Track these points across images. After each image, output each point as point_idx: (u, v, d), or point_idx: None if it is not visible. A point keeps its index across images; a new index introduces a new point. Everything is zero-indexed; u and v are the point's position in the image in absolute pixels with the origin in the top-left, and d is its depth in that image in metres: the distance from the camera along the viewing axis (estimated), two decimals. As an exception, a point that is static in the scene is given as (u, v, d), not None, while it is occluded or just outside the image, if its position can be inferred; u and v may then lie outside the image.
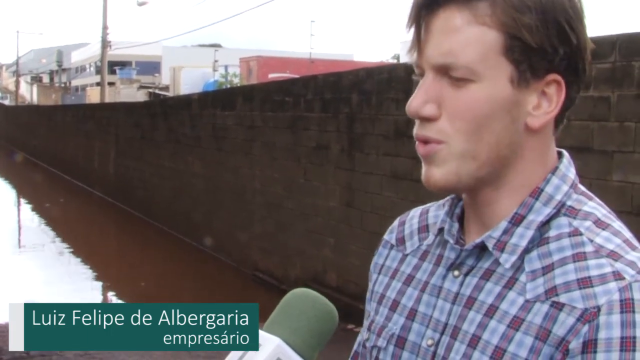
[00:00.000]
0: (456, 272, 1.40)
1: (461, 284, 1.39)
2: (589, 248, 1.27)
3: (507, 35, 1.29)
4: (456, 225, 1.44)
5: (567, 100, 1.33)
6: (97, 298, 15.38)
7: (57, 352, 8.39)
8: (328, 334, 1.36)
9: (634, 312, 1.19)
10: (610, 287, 1.21)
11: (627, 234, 1.31)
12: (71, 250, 19.59)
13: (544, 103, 1.32)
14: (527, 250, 1.32)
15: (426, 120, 1.33)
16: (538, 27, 1.28)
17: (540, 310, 1.26)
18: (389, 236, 1.63)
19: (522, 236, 1.33)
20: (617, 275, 1.22)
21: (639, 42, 6.87)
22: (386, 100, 10.52)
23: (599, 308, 1.20)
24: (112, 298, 15.30)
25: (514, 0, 1.28)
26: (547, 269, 1.28)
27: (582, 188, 1.39)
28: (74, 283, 15.98)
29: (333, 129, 11.98)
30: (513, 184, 1.36)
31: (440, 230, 1.48)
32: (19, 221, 26.01)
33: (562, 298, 1.24)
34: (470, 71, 1.30)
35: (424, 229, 1.54)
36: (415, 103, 1.33)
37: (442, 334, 1.40)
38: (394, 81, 10.48)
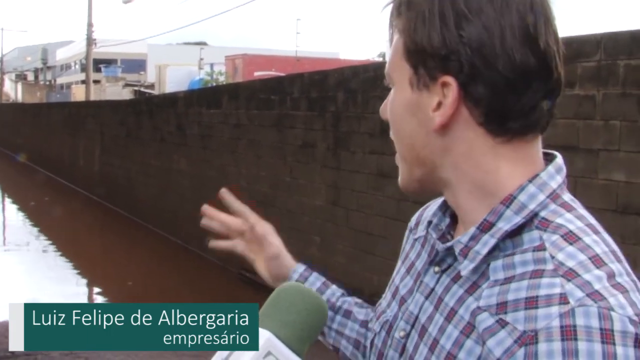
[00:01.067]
0: (436, 268, 1.41)
1: (437, 281, 1.39)
2: (549, 266, 1.21)
3: (405, 40, 1.34)
4: (447, 220, 1.45)
5: (480, 104, 1.29)
6: (83, 297, 15.34)
7: (43, 351, 8.38)
8: (318, 328, 1.37)
9: (575, 339, 1.13)
10: (551, 311, 1.16)
11: (599, 249, 1.24)
12: (56, 248, 19.52)
13: (445, 105, 1.30)
14: (494, 258, 1.29)
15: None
16: (422, 29, 1.30)
17: (486, 322, 1.23)
18: (411, 220, 1.66)
19: (486, 244, 1.29)
20: (563, 299, 1.16)
21: (624, 41, 6.91)
22: (372, 98, 10.53)
23: (536, 332, 1.15)
24: (98, 297, 15.27)
25: (414, 4, 1.32)
26: (507, 281, 1.24)
27: (566, 197, 1.33)
28: (59, 281, 15.93)
29: (319, 127, 11.99)
30: (462, 187, 1.34)
31: (430, 223, 1.48)
32: (3, 219, 25.93)
33: (508, 317, 1.20)
34: (388, 76, 1.41)
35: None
36: (382, 106, 1.46)
37: (412, 327, 1.41)
38: (380, 79, 10.42)
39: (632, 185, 6.77)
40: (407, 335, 1.42)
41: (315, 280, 1.91)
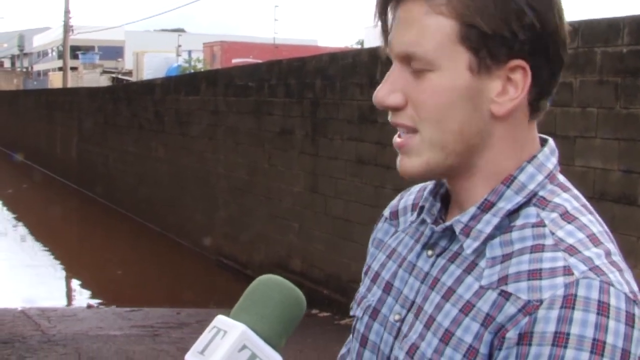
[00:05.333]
0: (429, 252, 1.42)
1: (432, 265, 1.40)
2: (548, 241, 1.25)
3: (463, 23, 1.29)
4: (438, 205, 1.45)
5: (538, 85, 1.33)
6: (61, 284, 15.30)
7: (20, 338, 8.34)
8: (295, 320, 1.36)
9: (573, 308, 1.17)
10: (557, 282, 1.20)
11: (595, 229, 1.29)
12: (35, 237, 19.44)
13: (511, 89, 1.31)
14: (491, 237, 1.31)
15: (394, 109, 1.36)
16: (494, 13, 1.27)
17: (489, 298, 1.25)
18: (386, 210, 1.64)
19: (488, 223, 1.32)
20: (567, 271, 1.21)
21: (601, 29, 6.92)
22: (350, 85, 10.52)
23: (541, 302, 1.19)
24: (76, 284, 15.22)
25: None
26: (506, 257, 1.27)
27: (561, 178, 1.38)
28: (39, 270, 15.87)
29: (297, 114, 11.96)
30: (486, 172, 1.36)
31: (422, 208, 1.48)
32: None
33: (510, 287, 1.23)
34: (427, 61, 1.31)
35: (416, 206, 1.54)
36: (381, 93, 1.36)
37: (408, 310, 1.41)
38: (358, 66, 10.47)
39: (608, 172, 6.80)
40: (403, 319, 1.42)
41: None
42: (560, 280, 1.20)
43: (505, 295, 1.23)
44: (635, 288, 1.24)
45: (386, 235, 1.60)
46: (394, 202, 1.64)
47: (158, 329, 9.17)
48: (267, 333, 1.30)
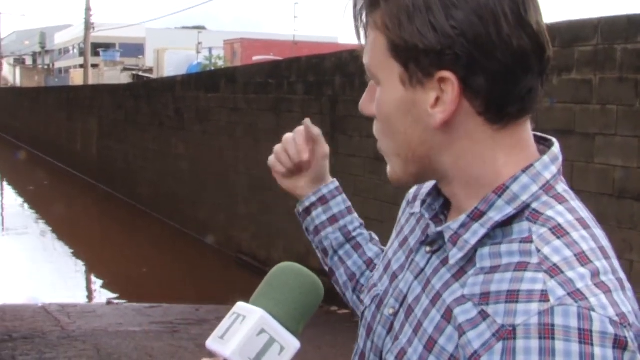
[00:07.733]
0: (427, 248, 1.40)
1: (427, 262, 1.39)
2: (534, 259, 1.19)
3: (389, 37, 1.28)
4: (441, 200, 1.43)
5: (480, 95, 1.25)
6: (81, 280, 15.37)
7: (40, 334, 8.39)
8: (313, 306, 1.40)
9: (553, 339, 1.11)
10: (531, 307, 1.14)
11: (586, 246, 1.21)
12: (55, 233, 19.53)
13: (444, 101, 1.26)
14: (481, 245, 1.27)
15: (371, 117, 1.41)
16: (409, 25, 1.25)
17: (468, 311, 1.21)
18: (409, 192, 1.65)
19: (475, 233, 1.28)
20: (543, 296, 1.14)
21: (621, 25, 6.90)
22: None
23: (514, 328, 1.14)
24: (96, 281, 15.29)
25: (395, 1, 1.27)
26: (492, 270, 1.23)
27: (559, 189, 1.30)
28: (58, 266, 15.95)
29: (316, 111, 11.97)
30: (460, 180, 1.32)
31: (424, 202, 1.47)
32: (1, 204, 25.92)
33: (490, 309, 1.18)
34: (372, 75, 1.36)
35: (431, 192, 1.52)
36: (360, 103, 1.44)
37: (400, 305, 1.41)
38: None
39: (629, 170, 6.77)
40: (396, 314, 1.42)
41: (342, 203, 2.00)
42: (535, 306, 1.14)
43: (484, 315, 1.19)
44: (627, 309, 1.16)
45: (404, 218, 1.61)
46: (417, 185, 1.63)
47: (177, 325, 9.20)
48: (284, 318, 1.33)
